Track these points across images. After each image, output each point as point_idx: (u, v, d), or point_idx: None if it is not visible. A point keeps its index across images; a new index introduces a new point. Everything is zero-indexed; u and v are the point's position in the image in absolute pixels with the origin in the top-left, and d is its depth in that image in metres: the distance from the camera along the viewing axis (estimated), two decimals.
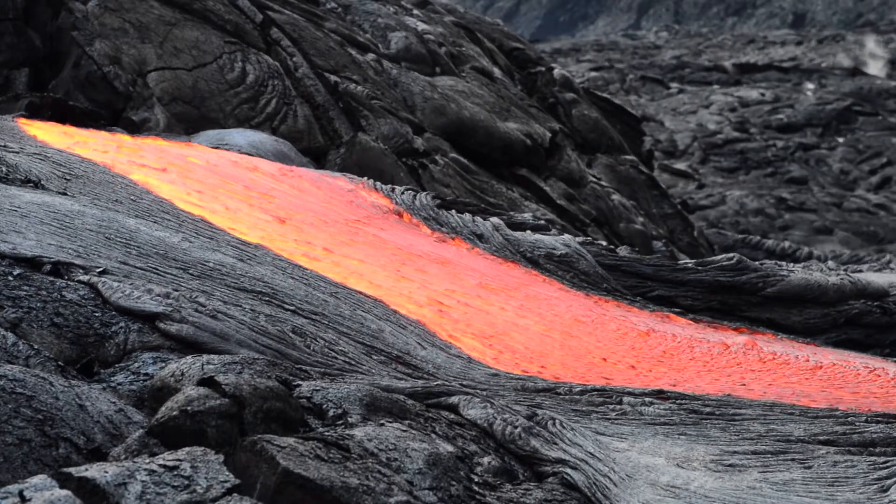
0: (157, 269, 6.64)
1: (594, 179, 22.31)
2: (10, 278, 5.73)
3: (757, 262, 12.14)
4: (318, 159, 17.33)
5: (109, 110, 16.16)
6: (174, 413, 4.37)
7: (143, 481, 3.78)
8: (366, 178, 13.08)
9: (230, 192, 10.18)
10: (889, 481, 5.08)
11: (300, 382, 5.02)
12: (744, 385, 7.34)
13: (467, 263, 10.11)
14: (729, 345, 8.71)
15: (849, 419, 6.15)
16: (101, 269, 6.22)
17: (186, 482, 3.84)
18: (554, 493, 4.61)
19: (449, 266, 9.68)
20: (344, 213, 10.86)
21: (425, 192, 12.92)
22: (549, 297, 9.56)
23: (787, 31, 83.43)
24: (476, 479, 4.54)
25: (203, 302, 6.06)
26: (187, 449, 4.04)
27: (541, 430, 5.06)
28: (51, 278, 5.90)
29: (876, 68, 61.56)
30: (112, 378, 5.19)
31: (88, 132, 12.31)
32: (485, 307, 8.53)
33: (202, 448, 4.06)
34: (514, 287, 9.62)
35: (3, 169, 8.25)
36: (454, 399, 5.24)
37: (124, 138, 12.09)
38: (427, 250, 10.11)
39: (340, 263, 8.61)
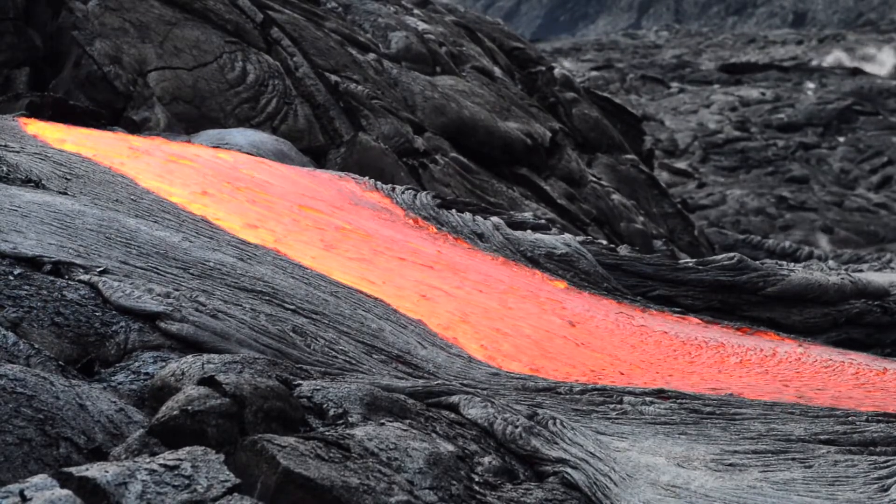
0: (157, 269, 6.64)
1: (594, 179, 22.30)
2: (11, 278, 5.73)
3: (757, 262, 12.14)
4: (318, 159, 17.33)
5: (110, 110, 16.15)
6: (175, 412, 4.37)
7: (143, 481, 3.78)
8: (367, 177, 13.08)
9: (462, 279, 9.50)
10: (889, 480, 5.08)
11: (300, 382, 5.02)
12: None
13: (683, 333, 9.77)
14: None
15: (849, 418, 6.15)
16: (101, 269, 6.22)
17: (187, 482, 3.84)
18: (554, 492, 4.61)
19: (667, 338, 9.48)
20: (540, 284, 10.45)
21: (425, 192, 12.92)
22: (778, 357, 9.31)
23: (787, 31, 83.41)
24: (476, 479, 4.53)
25: (203, 301, 6.06)
26: (188, 448, 4.04)
27: (541, 430, 5.06)
28: (51, 278, 5.90)
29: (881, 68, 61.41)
30: (112, 377, 5.19)
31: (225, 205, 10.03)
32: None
33: (203, 447, 4.06)
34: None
35: (4, 168, 8.25)
36: (455, 398, 5.23)
37: (272, 195, 10.22)
38: (662, 326, 9.83)
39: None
